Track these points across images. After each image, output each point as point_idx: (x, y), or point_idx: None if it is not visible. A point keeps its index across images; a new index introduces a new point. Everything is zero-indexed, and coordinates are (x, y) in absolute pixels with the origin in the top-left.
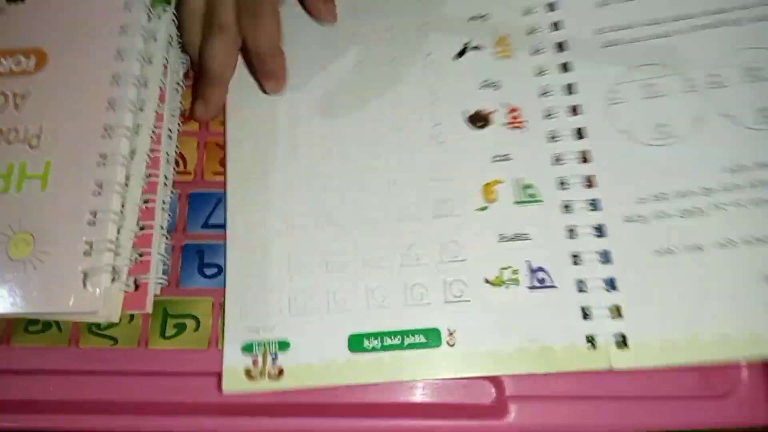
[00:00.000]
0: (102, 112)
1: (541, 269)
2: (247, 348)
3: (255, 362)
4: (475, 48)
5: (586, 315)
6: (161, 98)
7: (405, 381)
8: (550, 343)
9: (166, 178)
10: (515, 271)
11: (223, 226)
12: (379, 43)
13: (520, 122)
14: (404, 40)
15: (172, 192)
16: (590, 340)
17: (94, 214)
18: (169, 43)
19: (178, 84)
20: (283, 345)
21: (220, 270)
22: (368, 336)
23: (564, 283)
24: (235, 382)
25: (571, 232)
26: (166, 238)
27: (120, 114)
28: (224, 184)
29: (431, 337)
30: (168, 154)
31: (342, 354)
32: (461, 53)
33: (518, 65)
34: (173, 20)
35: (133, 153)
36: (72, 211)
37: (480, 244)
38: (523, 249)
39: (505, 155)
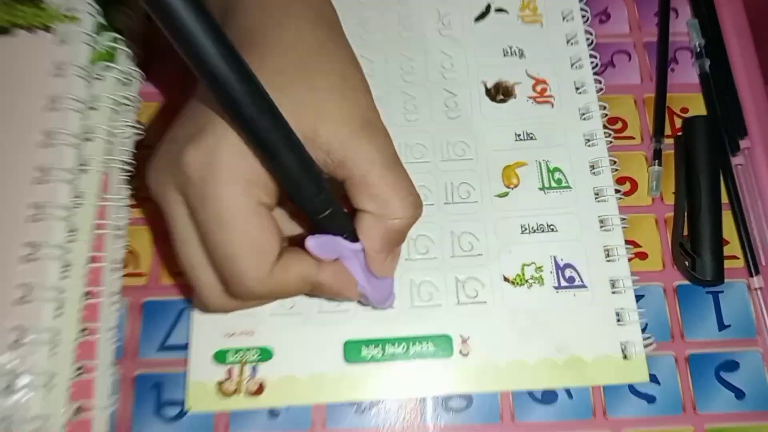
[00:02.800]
0: (21, 222)
1: (569, 266)
2: (220, 357)
3: (229, 374)
4: (500, 10)
5: (620, 320)
6: (104, 186)
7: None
8: (580, 352)
9: (112, 294)
10: (539, 268)
11: (184, 347)
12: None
13: (548, 97)
14: None
15: (119, 303)
16: (624, 348)
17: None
18: (114, 109)
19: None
20: (265, 353)
21: (183, 411)
22: (367, 343)
23: (596, 283)
24: (202, 399)
25: (604, 224)
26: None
27: (47, 225)
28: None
29: (441, 346)
30: (114, 262)
31: (336, 365)
32: (483, 15)
33: (547, 32)
34: (121, 79)
35: (66, 267)
36: None
37: (499, 235)
38: (549, 242)
39: (530, 134)
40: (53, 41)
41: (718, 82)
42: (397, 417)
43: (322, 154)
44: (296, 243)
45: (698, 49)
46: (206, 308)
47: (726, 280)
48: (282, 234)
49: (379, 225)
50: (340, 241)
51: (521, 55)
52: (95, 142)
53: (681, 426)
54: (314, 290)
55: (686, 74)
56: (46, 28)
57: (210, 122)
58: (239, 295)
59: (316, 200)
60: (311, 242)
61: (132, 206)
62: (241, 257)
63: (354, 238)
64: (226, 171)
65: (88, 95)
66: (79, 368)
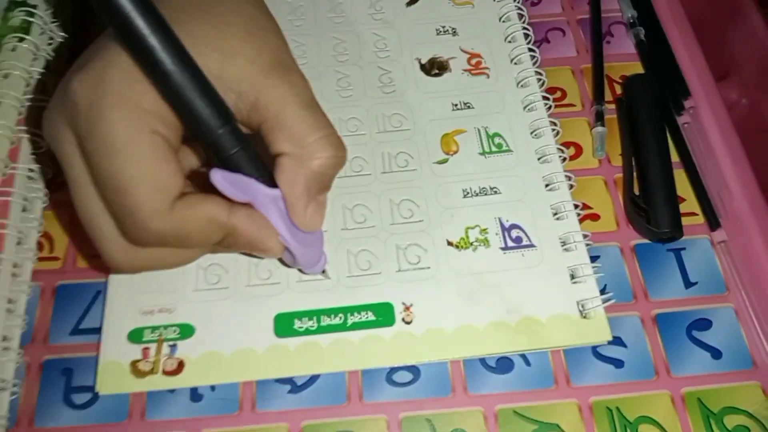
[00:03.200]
0: None
1: (515, 227)
2: (136, 336)
3: (146, 353)
4: None
5: (574, 277)
6: (12, 154)
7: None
8: (533, 313)
9: (15, 266)
10: (484, 231)
11: (99, 330)
12: None
13: (483, 69)
14: None
15: (29, 286)
16: (582, 307)
17: None
18: (26, 80)
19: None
20: (186, 330)
21: (96, 396)
22: (300, 315)
23: (545, 242)
24: (115, 381)
25: (549, 183)
26: (17, 353)
27: None
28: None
29: (382, 314)
30: (21, 232)
31: (265, 340)
32: (414, 0)
33: (479, 11)
34: (34, 54)
35: None
36: None
37: (440, 201)
38: (492, 204)
39: (467, 103)
40: None
41: (654, 48)
42: (337, 394)
43: (233, 95)
44: None
45: (632, 20)
46: (110, 264)
47: (687, 237)
48: (184, 174)
49: (298, 167)
50: (253, 183)
51: (454, 33)
52: (2, 107)
53: (655, 391)
54: (227, 238)
55: (622, 45)
56: None
57: (100, 50)
58: (136, 236)
59: (221, 134)
60: (217, 174)
61: (50, 191)
62: (134, 187)
63: (271, 184)
64: (115, 94)
65: None
66: None
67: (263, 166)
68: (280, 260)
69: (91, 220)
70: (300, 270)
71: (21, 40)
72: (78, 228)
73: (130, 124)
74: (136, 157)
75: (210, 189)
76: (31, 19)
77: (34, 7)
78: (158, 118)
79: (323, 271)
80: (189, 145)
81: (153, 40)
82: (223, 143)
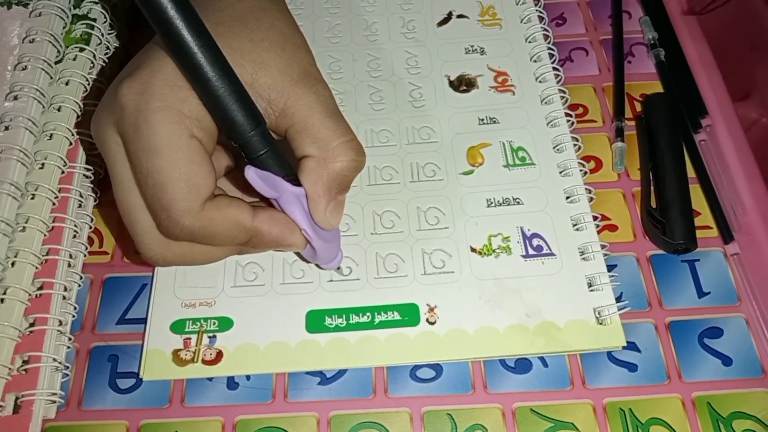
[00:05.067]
0: None
1: (536, 236)
2: (178, 326)
3: (187, 343)
4: (461, 16)
5: (591, 286)
6: (71, 154)
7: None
8: (551, 317)
9: (71, 257)
10: (506, 239)
11: (143, 321)
12: (357, 9)
13: (509, 86)
14: (384, 7)
15: (80, 277)
16: (598, 314)
17: None
18: (85, 87)
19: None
20: (225, 323)
21: (139, 381)
22: (330, 313)
23: (564, 250)
24: (158, 368)
25: (570, 196)
26: (68, 339)
27: (5, 164)
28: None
29: (408, 314)
30: (76, 227)
31: (298, 334)
32: (445, 21)
33: (506, 33)
34: (92, 62)
35: (22, 219)
36: None
37: (465, 209)
38: (515, 214)
39: (492, 118)
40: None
41: (673, 68)
42: (363, 387)
43: (263, 102)
44: None
45: (652, 41)
46: (144, 256)
47: (701, 249)
48: (217, 175)
49: (321, 168)
50: (280, 181)
51: (482, 52)
52: (63, 111)
53: (667, 394)
54: (252, 240)
55: (642, 65)
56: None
57: (147, 59)
58: (168, 230)
59: (252, 136)
60: (251, 171)
61: (100, 191)
62: (170, 185)
63: (296, 183)
64: (159, 99)
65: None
66: (31, 324)
67: (289, 166)
68: (299, 255)
69: (130, 214)
70: (317, 266)
71: (81, 50)
72: (125, 225)
73: (171, 127)
74: (174, 158)
75: (243, 188)
76: (91, 32)
77: (94, 20)
78: (197, 123)
79: (338, 268)
80: (221, 149)
81: (197, 50)
82: (254, 145)
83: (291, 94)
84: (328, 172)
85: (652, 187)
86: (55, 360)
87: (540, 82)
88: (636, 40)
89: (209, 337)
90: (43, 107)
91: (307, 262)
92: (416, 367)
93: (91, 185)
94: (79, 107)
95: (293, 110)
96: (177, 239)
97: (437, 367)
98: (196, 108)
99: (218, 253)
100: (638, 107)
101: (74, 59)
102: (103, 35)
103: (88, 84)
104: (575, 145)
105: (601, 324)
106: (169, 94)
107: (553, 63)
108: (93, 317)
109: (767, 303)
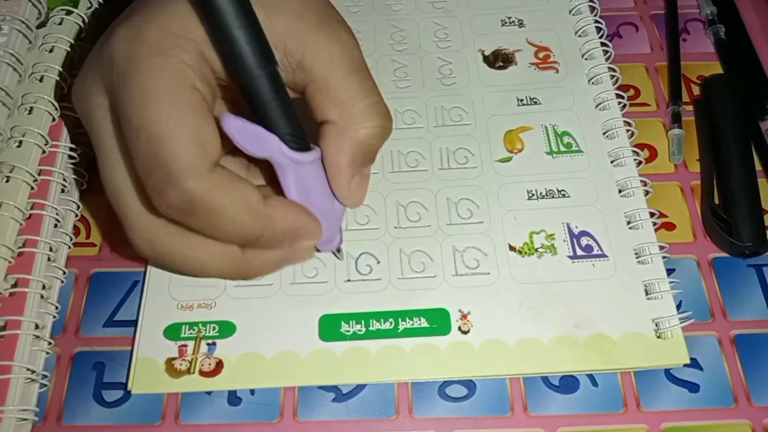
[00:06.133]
0: None
1: (585, 234)
2: (173, 331)
3: (182, 351)
4: None
5: (649, 293)
6: (54, 132)
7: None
8: (604, 329)
9: (51, 250)
10: (550, 236)
11: (134, 324)
12: None
13: (551, 63)
14: None
15: (63, 272)
16: (657, 326)
17: None
18: (72, 59)
19: None
20: (226, 328)
21: (128, 394)
22: (347, 318)
23: (618, 252)
24: (148, 379)
25: (623, 189)
26: (48, 343)
27: None
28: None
29: (437, 321)
30: (59, 215)
31: (309, 342)
32: None
33: (547, 3)
34: (80, 28)
35: None
36: None
37: (502, 202)
38: (560, 208)
39: (533, 99)
40: None
41: (735, 47)
42: (385, 405)
43: (278, 53)
44: None
45: (711, 17)
46: (134, 243)
47: None
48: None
49: (343, 135)
50: (274, 140)
51: (521, 24)
52: (45, 82)
53: (733, 420)
54: (264, 233)
55: (699, 44)
56: None
57: (140, 6)
58: (162, 192)
59: (259, 75)
60: (230, 119)
61: (90, 175)
62: (170, 137)
63: (297, 146)
64: (154, 45)
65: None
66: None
67: (296, 126)
68: None
69: (118, 194)
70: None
71: (69, 13)
72: (113, 209)
73: (169, 74)
74: (176, 108)
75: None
76: None
77: None
78: (199, 75)
79: (338, 250)
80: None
81: None
82: (260, 86)
83: (309, 42)
84: (352, 140)
85: (714, 181)
86: (29, 370)
87: (587, 59)
88: (691, 15)
89: (208, 344)
90: (20, 75)
91: None
92: (446, 384)
93: (78, 168)
94: (65, 79)
95: (312, 62)
96: (169, 209)
97: (470, 384)
98: (197, 59)
99: (217, 254)
100: (696, 91)
101: (60, 23)
102: None
103: (75, 52)
104: (628, 130)
105: (660, 338)
106: (167, 40)
107: (600, 38)
108: (77, 318)
109: None
